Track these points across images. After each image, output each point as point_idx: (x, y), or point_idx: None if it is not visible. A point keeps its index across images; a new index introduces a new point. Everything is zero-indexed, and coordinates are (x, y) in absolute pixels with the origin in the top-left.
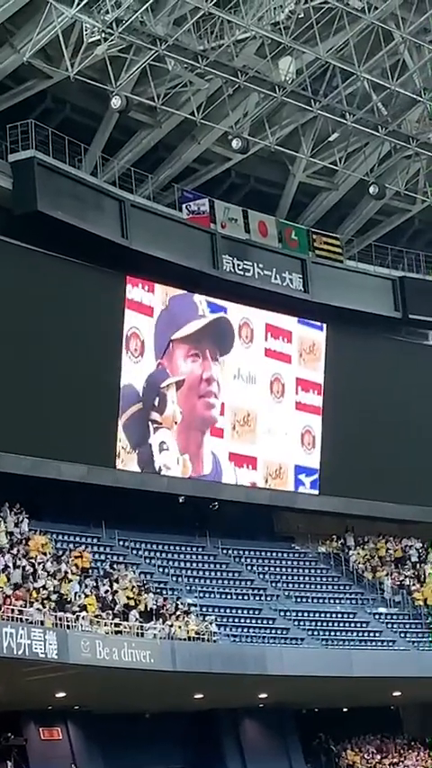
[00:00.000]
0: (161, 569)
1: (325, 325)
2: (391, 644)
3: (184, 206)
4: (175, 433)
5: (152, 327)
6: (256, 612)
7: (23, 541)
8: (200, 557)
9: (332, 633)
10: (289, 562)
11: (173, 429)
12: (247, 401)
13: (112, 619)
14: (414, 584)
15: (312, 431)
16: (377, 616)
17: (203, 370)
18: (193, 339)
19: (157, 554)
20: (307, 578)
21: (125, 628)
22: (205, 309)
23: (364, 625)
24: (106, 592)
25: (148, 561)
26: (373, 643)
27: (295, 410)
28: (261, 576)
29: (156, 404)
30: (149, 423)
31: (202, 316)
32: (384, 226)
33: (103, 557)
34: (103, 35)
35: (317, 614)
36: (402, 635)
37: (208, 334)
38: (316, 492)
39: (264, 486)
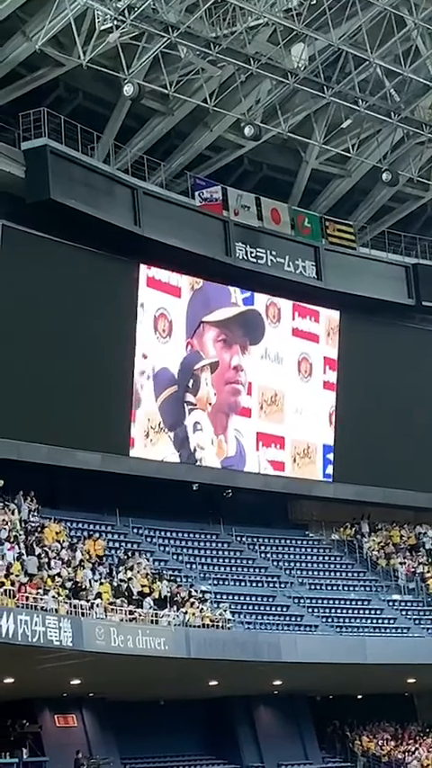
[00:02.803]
0: (175, 557)
1: (338, 313)
2: (405, 631)
3: (196, 193)
4: (210, 414)
5: (183, 307)
6: (270, 600)
7: (38, 529)
8: (214, 544)
9: (346, 620)
10: (303, 549)
11: (207, 410)
12: (274, 381)
13: (127, 606)
14: (428, 572)
15: None
16: (391, 603)
17: (232, 357)
18: (224, 325)
19: (171, 541)
20: (321, 565)
21: (139, 615)
22: (238, 298)
23: (378, 612)
24: (121, 579)
25: (162, 549)
26: (388, 630)
27: (323, 389)
28: (275, 563)
29: (190, 385)
30: (184, 404)
31: (234, 303)
32: (397, 213)
33: (117, 544)
34: (115, 22)
35: (331, 601)
36: (416, 622)
37: (239, 324)
38: (330, 480)
39: (292, 466)
